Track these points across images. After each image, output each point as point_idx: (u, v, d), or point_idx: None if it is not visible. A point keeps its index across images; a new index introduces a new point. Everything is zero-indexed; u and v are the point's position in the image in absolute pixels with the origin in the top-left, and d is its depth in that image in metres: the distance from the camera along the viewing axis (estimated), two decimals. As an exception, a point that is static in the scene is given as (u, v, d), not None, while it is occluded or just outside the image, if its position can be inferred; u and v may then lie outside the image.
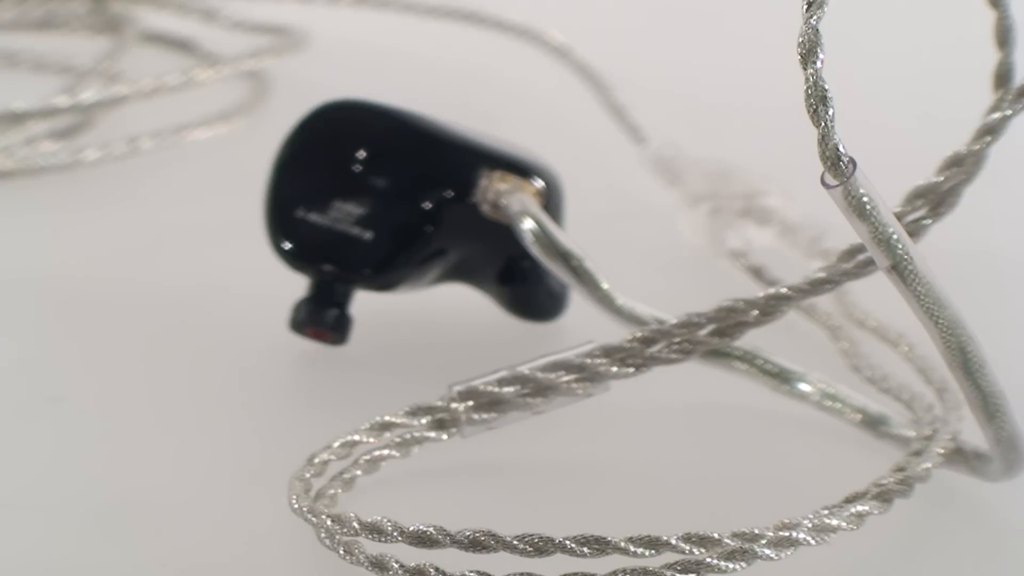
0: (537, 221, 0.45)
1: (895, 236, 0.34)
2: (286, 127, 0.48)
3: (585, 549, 0.35)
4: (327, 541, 0.37)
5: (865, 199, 0.34)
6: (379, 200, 0.46)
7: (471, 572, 0.35)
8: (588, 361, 0.41)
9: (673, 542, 0.35)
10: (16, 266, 0.54)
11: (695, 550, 0.35)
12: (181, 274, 0.53)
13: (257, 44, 0.70)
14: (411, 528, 0.35)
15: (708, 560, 0.35)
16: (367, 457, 0.40)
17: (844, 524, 0.36)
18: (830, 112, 0.33)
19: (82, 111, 0.63)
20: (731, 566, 0.35)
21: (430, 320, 0.50)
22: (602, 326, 0.44)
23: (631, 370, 0.41)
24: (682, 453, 0.44)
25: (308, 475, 0.39)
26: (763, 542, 0.35)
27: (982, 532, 0.41)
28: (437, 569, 0.35)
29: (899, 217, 0.39)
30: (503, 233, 0.46)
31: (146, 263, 0.54)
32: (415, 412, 0.41)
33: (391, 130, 0.47)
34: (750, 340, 0.42)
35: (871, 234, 0.34)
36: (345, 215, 0.46)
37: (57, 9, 0.74)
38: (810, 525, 0.36)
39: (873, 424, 0.43)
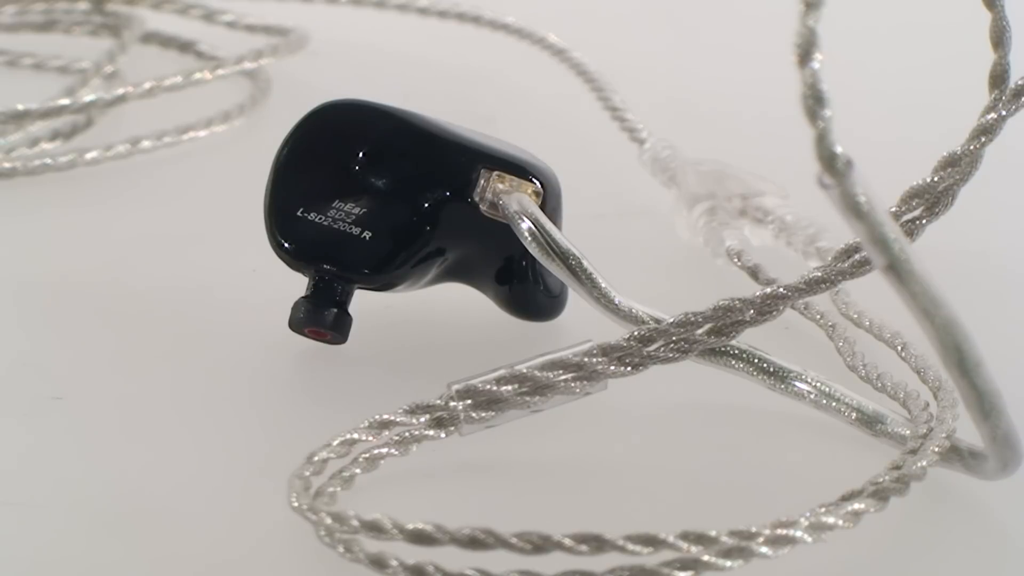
0: (535, 221, 0.45)
1: (891, 236, 0.35)
2: (286, 127, 0.48)
3: (583, 547, 0.35)
4: (327, 539, 0.37)
5: (862, 199, 0.34)
6: (378, 200, 0.46)
7: (470, 570, 0.35)
8: (586, 360, 0.41)
9: (670, 540, 0.35)
10: (16, 265, 0.54)
11: (692, 548, 0.35)
12: (180, 273, 0.53)
13: (257, 44, 0.70)
14: (410, 526, 0.35)
15: (705, 558, 0.35)
16: (366, 455, 0.41)
17: (840, 522, 0.36)
18: (827, 112, 0.33)
19: (83, 111, 0.63)
20: (728, 564, 0.35)
21: (429, 319, 0.50)
22: (600, 325, 0.44)
23: (629, 369, 0.41)
24: (679, 451, 0.44)
25: (307, 473, 0.39)
26: (760, 540, 0.35)
27: (978, 530, 0.41)
28: (436, 567, 0.35)
29: (895, 217, 0.39)
30: (501, 233, 0.46)
31: (145, 262, 0.54)
32: (414, 411, 0.41)
33: (390, 130, 0.47)
34: (747, 339, 0.42)
35: (868, 234, 0.34)
36: (344, 214, 0.46)
37: (58, 10, 0.74)
38: (807, 523, 0.36)
39: (869, 423, 0.43)
